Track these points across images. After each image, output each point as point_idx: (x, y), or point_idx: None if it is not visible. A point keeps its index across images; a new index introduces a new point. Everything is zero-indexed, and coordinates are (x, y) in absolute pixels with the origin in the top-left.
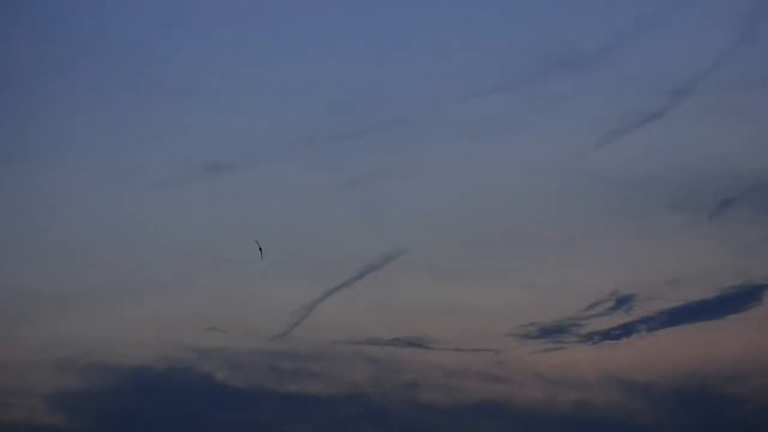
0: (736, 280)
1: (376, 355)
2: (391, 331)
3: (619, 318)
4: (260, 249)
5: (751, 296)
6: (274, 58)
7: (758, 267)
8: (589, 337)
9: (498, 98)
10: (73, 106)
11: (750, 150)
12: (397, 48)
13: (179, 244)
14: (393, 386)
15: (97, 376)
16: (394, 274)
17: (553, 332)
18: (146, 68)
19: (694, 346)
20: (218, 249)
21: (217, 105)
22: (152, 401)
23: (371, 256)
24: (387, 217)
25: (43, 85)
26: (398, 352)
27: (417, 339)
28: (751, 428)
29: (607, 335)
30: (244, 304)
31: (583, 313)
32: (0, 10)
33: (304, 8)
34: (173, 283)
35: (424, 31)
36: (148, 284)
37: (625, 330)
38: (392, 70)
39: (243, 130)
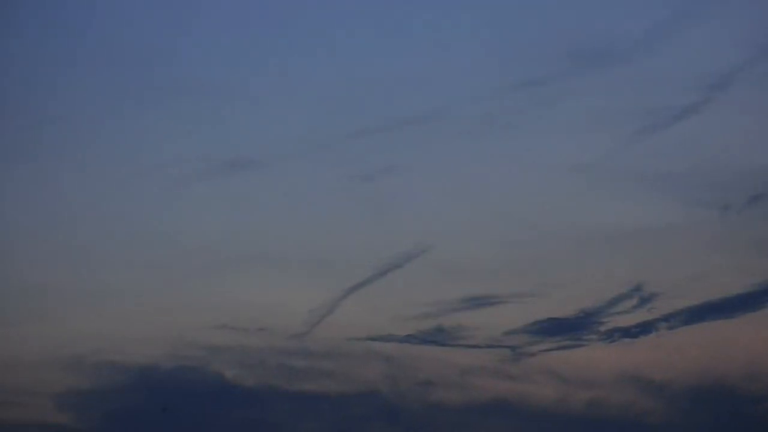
0: (758, 278)
1: (390, 353)
2: (407, 328)
3: (641, 315)
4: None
5: None
6: (290, 55)
7: None
8: (609, 335)
9: (527, 93)
10: (89, 104)
11: None
12: (422, 40)
13: (195, 242)
14: (408, 385)
15: (106, 374)
16: (414, 273)
17: (571, 329)
18: (164, 66)
19: (711, 344)
20: (235, 246)
21: (237, 101)
22: (162, 400)
23: (392, 254)
24: (409, 214)
25: (58, 83)
26: (413, 349)
27: (433, 336)
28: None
29: (627, 333)
30: (260, 302)
31: (605, 309)
32: (14, 7)
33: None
34: (187, 280)
35: (450, 22)
36: (160, 281)
37: (645, 328)
38: (417, 63)
39: (264, 127)
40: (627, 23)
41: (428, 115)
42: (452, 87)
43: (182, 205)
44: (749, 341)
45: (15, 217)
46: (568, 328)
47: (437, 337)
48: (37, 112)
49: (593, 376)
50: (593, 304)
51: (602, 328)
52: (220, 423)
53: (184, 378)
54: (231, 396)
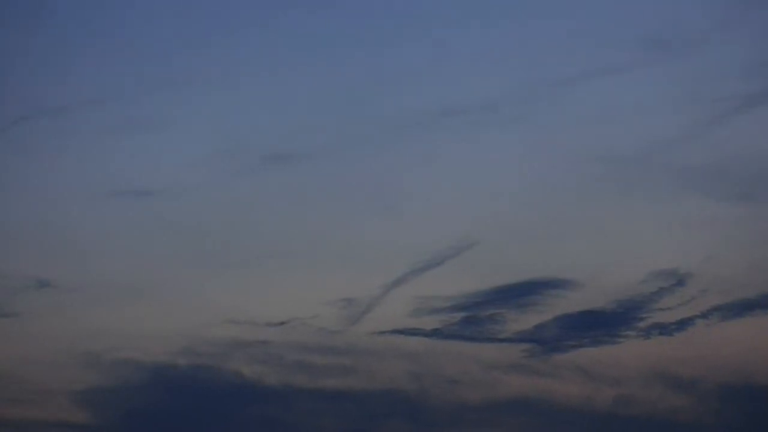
0: None
1: (415, 349)
2: (434, 322)
3: (682, 312)
4: None
5: None
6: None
7: None
8: (647, 332)
9: (588, 84)
10: (115, 97)
11: None
12: (482, 31)
13: (213, 237)
14: (432, 381)
15: (123, 372)
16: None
17: (608, 324)
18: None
19: (743, 341)
20: (254, 242)
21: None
22: (180, 397)
23: (432, 249)
24: (455, 209)
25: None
26: (438, 344)
27: (459, 332)
28: None
29: (665, 329)
30: (280, 298)
31: (645, 304)
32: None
33: None
34: (204, 277)
35: (511, 12)
36: (177, 278)
37: (682, 324)
38: (482, 48)
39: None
40: (694, 12)
41: (483, 104)
42: (510, 79)
43: (199, 201)
44: None
45: (28, 213)
46: (603, 323)
47: (464, 331)
48: (62, 107)
49: (621, 373)
50: (632, 297)
51: (641, 324)
52: (239, 420)
53: (202, 375)
54: (250, 393)
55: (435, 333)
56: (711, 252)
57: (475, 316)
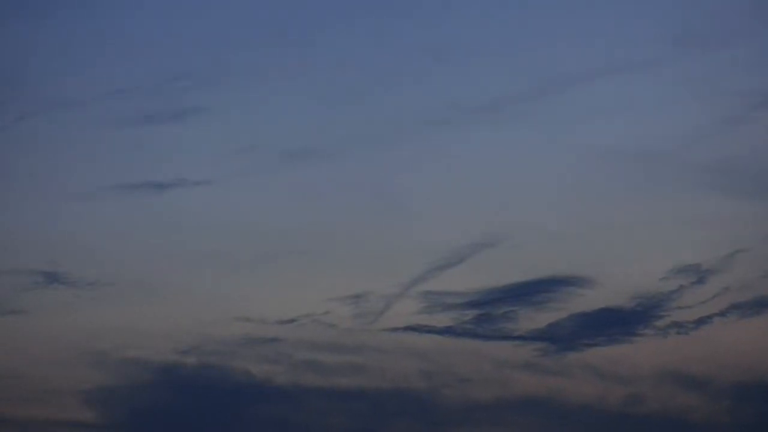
0: None
1: (427, 347)
2: (446, 320)
3: (701, 310)
4: None
5: None
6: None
7: None
8: (665, 330)
9: (610, 79)
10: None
11: None
12: (521, 27)
13: (224, 236)
14: (443, 379)
15: (131, 371)
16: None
17: (625, 322)
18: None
19: (757, 339)
20: (278, 237)
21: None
22: (188, 396)
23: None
24: (472, 207)
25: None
26: (451, 342)
27: (473, 328)
28: None
29: (683, 328)
30: (289, 296)
31: (664, 303)
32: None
33: None
34: (214, 275)
35: (533, 6)
36: (186, 276)
37: (700, 322)
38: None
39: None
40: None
41: (502, 100)
42: (547, 72)
43: (211, 198)
44: None
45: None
46: (621, 321)
47: (477, 329)
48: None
49: (634, 372)
50: (652, 294)
51: (659, 323)
52: (247, 419)
53: (211, 374)
54: (259, 392)
55: (447, 331)
56: (732, 249)
57: (488, 314)
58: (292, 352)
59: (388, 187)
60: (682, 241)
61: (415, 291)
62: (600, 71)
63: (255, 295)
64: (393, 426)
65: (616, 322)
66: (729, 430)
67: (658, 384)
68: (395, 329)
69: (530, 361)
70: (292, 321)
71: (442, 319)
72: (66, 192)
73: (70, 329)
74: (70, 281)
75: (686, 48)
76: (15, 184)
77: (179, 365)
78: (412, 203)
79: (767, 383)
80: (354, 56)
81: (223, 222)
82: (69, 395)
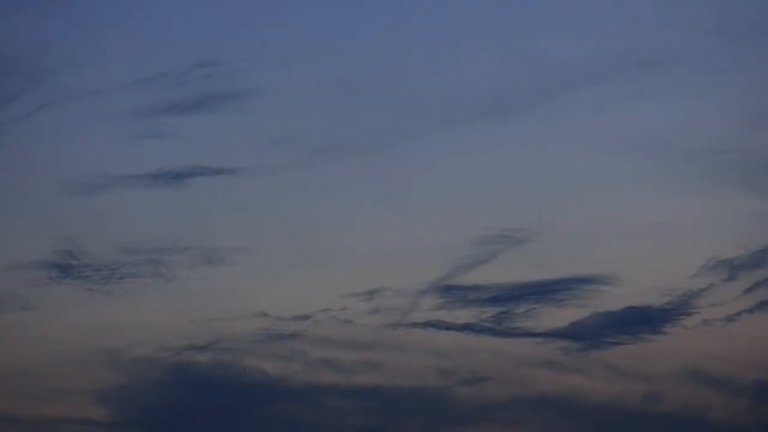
0: None
1: (445, 344)
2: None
3: (730, 307)
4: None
5: None
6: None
7: None
8: (692, 329)
9: (654, 71)
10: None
11: None
12: (551, 21)
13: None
14: (461, 377)
15: (143, 369)
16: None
17: (652, 321)
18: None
19: None
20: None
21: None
22: (201, 394)
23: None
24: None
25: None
26: (469, 339)
27: (491, 327)
28: None
29: (710, 325)
30: (303, 293)
31: (692, 301)
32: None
33: None
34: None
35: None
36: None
37: (728, 320)
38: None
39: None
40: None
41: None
42: (577, 66)
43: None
44: None
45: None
46: (647, 320)
47: (497, 326)
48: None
49: (656, 370)
50: (680, 292)
51: (686, 321)
52: (261, 418)
53: (225, 371)
54: (273, 389)
55: (467, 327)
56: (763, 245)
57: (509, 312)
58: (308, 349)
59: (407, 182)
60: (711, 237)
61: (434, 287)
62: (630, 64)
63: (270, 290)
64: (409, 424)
65: (642, 321)
66: (749, 429)
67: (679, 382)
68: (414, 325)
69: (551, 359)
70: (307, 317)
71: (462, 316)
72: (85, 183)
73: (83, 326)
74: (84, 275)
75: (716, 40)
76: (35, 174)
77: (193, 363)
78: (430, 199)
79: None
80: (378, 47)
81: (241, 215)
82: (81, 393)
